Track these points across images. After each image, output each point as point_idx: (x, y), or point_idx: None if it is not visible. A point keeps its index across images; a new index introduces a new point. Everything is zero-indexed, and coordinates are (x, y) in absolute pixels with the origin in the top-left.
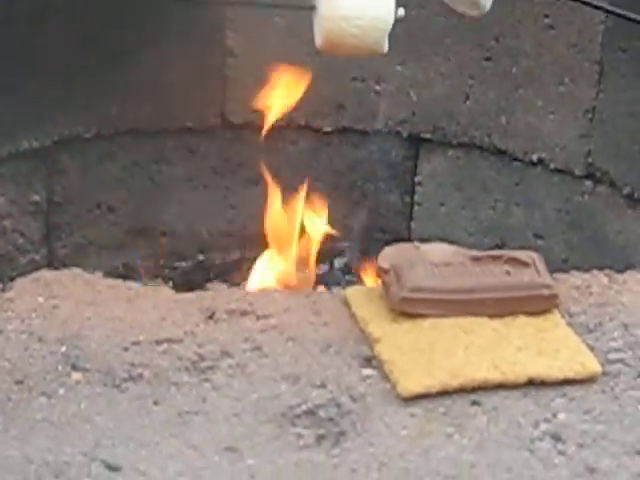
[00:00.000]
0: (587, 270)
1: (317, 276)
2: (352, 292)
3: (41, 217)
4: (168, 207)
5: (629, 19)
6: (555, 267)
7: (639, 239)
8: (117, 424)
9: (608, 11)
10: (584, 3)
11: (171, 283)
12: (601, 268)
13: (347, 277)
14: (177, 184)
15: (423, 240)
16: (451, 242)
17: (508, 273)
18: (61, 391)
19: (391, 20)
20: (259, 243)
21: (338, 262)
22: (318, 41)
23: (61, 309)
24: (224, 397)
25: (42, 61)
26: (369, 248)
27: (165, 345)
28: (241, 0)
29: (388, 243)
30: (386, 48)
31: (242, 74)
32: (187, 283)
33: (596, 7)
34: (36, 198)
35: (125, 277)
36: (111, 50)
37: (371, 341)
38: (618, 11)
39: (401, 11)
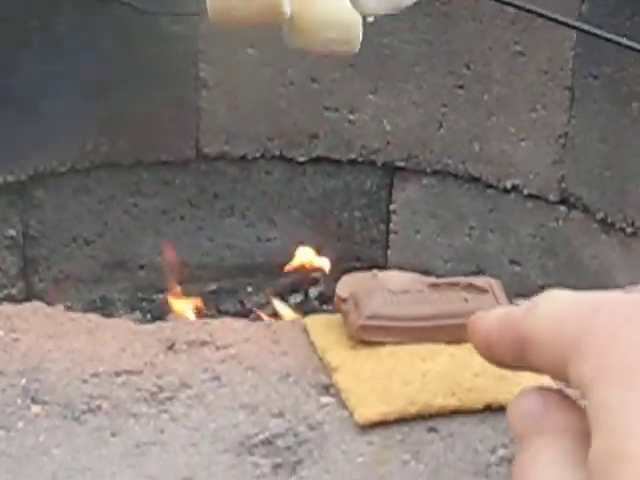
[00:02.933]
0: None
1: (291, 305)
2: (311, 320)
3: (17, 251)
4: (144, 239)
5: (602, 38)
6: (532, 292)
7: (613, 264)
8: (75, 456)
9: (582, 30)
10: (557, 21)
11: (149, 315)
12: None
13: (324, 307)
14: (153, 216)
15: (400, 268)
16: (427, 270)
17: (466, 300)
18: (20, 424)
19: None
20: (235, 274)
21: (312, 292)
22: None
23: (22, 342)
24: (182, 427)
25: (16, 96)
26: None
27: (124, 377)
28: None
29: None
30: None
31: (216, 106)
32: (165, 315)
33: (570, 26)
34: (12, 232)
35: (103, 310)
36: (85, 84)
37: (329, 369)
38: (592, 30)
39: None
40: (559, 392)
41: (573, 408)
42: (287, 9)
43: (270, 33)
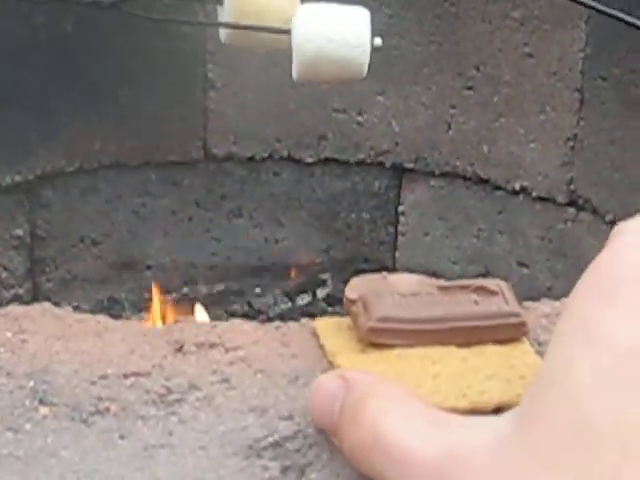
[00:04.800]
0: (559, 297)
1: (299, 307)
2: (321, 323)
3: (25, 251)
4: (152, 240)
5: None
6: (540, 295)
7: None
8: (83, 458)
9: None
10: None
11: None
12: None
13: (331, 308)
14: (161, 217)
15: (408, 269)
16: (435, 271)
17: (476, 302)
18: (28, 426)
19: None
20: (243, 275)
21: (320, 293)
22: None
23: (30, 343)
24: (190, 430)
25: (24, 96)
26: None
27: (132, 379)
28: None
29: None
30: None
31: (224, 107)
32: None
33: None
34: (19, 232)
35: (110, 310)
36: (93, 84)
37: None
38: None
39: (378, 40)
40: None
41: None
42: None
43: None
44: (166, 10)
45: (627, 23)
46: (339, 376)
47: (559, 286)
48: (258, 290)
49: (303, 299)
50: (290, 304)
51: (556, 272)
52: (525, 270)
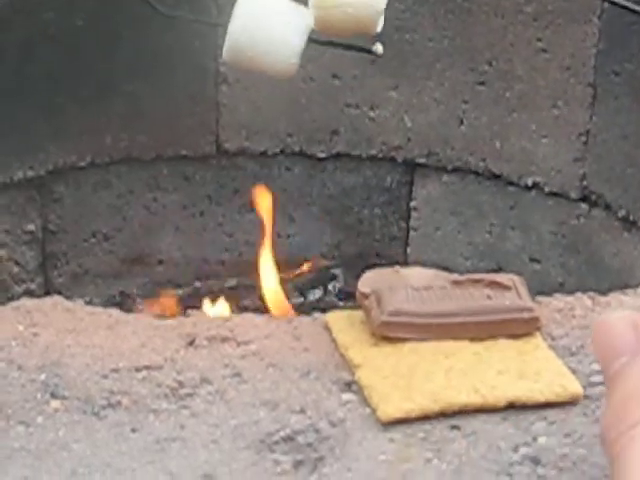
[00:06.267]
0: (571, 292)
1: (310, 302)
2: (333, 317)
3: (36, 246)
4: (164, 235)
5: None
6: (552, 290)
7: (635, 261)
8: (94, 451)
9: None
10: None
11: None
12: (597, 291)
13: (342, 303)
14: (173, 212)
15: (420, 265)
16: (447, 267)
17: (489, 297)
18: (39, 419)
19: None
20: (254, 270)
21: (332, 287)
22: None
23: (41, 337)
24: (202, 424)
25: (35, 90)
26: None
27: (144, 372)
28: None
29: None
30: (379, 28)
31: (236, 101)
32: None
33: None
34: (31, 227)
35: (121, 305)
36: (104, 79)
37: (351, 366)
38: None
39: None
40: None
41: None
42: (296, 65)
43: None
44: (176, 5)
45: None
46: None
47: (571, 282)
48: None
49: (314, 294)
50: (302, 299)
51: (568, 268)
52: (537, 266)
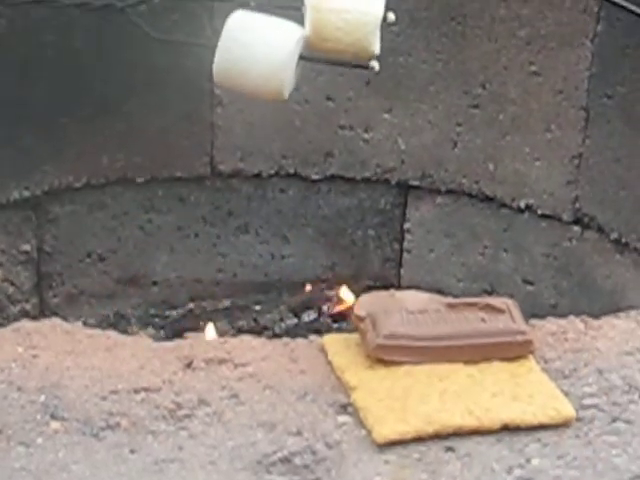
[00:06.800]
0: (564, 315)
1: (304, 323)
2: (329, 340)
3: (32, 266)
4: (158, 256)
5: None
6: (545, 312)
7: (627, 284)
8: (94, 472)
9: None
10: None
11: (162, 332)
12: (589, 313)
13: (336, 325)
14: (167, 233)
15: (413, 287)
16: (440, 288)
17: (483, 320)
18: (39, 440)
19: (379, 14)
20: (249, 291)
21: (326, 308)
22: (307, 33)
23: (41, 359)
24: (200, 445)
25: (31, 112)
26: (359, 295)
27: (143, 394)
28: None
29: (378, 290)
30: (377, 48)
31: (231, 123)
32: (177, 331)
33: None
34: (27, 247)
35: (116, 326)
36: (100, 100)
37: (347, 388)
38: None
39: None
40: None
41: None
42: (287, 92)
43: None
44: (172, 26)
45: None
46: None
47: (564, 304)
48: (264, 306)
49: (309, 315)
50: (296, 320)
51: (561, 290)
52: (530, 287)
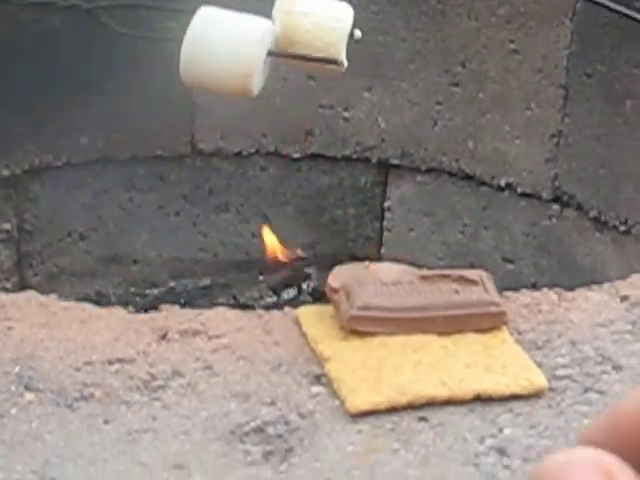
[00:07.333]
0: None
1: (284, 301)
2: (303, 311)
3: (12, 245)
4: (139, 234)
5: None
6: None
7: (606, 261)
8: (67, 442)
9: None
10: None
11: (143, 311)
12: (570, 290)
13: (316, 302)
14: (148, 211)
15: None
16: (420, 267)
17: (456, 291)
18: (13, 411)
19: (348, 22)
20: (229, 269)
21: (306, 286)
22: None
23: (15, 330)
24: (174, 415)
25: (10, 91)
26: None
27: (117, 365)
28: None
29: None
30: (344, 58)
31: (211, 102)
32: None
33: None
34: (7, 226)
35: (97, 304)
36: (80, 79)
37: (321, 359)
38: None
39: (358, 32)
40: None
41: None
42: (255, 90)
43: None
44: (142, 21)
45: (619, 13)
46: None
47: (543, 281)
48: (244, 284)
49: (289, 293)
50: (276, 298)
51: (541, 268)
52: (510, 266)
